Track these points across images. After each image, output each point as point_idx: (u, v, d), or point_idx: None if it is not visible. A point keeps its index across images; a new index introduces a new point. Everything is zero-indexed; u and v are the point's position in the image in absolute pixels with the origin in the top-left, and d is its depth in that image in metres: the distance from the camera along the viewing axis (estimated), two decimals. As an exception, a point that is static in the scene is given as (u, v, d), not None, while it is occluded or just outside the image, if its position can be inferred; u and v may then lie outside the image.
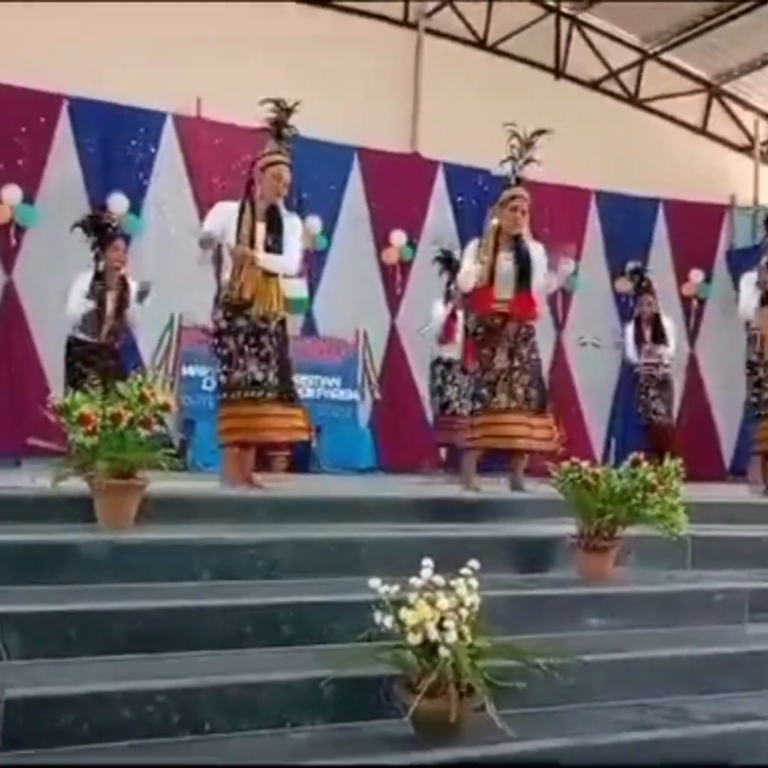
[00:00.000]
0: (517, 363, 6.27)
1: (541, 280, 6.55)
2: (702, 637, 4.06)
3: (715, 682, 3.78)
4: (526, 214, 6.55)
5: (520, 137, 6.44)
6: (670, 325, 9.98)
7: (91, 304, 7.71)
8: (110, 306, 7.88)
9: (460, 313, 8.65)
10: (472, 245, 6.65)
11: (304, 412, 5.89)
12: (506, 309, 6.32)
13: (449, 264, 9.30)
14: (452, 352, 8.98)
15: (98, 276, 7.87)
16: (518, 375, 6.25)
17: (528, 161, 6.49)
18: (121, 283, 7.96)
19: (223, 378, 5.71)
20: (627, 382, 10.40)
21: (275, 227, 5.76)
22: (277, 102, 5.81)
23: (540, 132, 6.43)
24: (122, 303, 7.92)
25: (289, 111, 5.82)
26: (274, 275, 5.74)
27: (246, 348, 5.65)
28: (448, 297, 9.18)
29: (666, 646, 3.89)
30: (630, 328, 9.91)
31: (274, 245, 5.73)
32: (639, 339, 9.71)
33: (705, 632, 4.12)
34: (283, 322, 5.82)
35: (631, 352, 9.81)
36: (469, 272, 6.42)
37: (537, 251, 6.55)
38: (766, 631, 4.23)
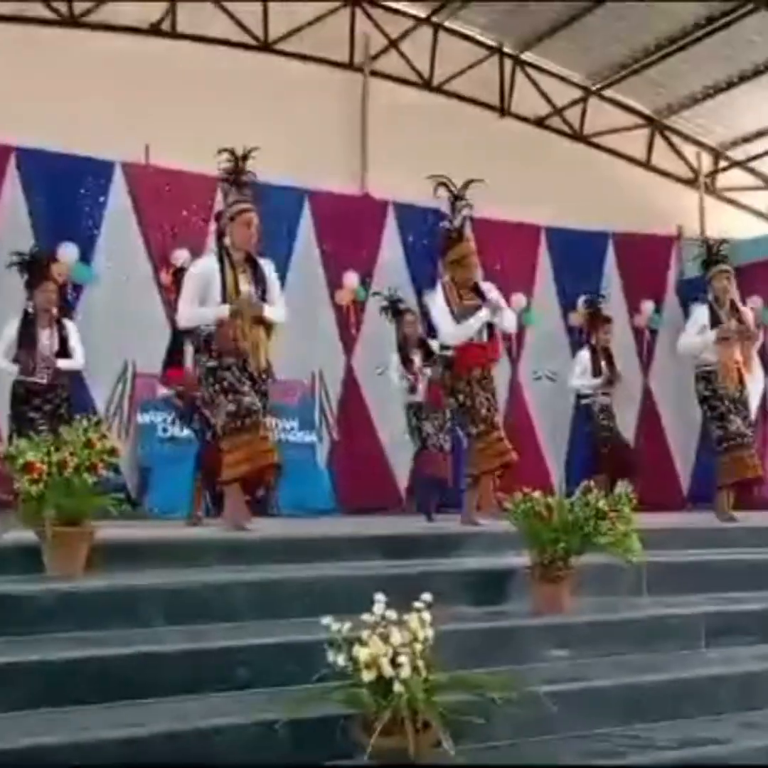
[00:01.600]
0: (490, 397, 6.61)
1: (513, 318, 6.95)
2: (660, 663, 4.06)
3: (675, 708, 3.78)
4: (478, 264, 6.71)
5: (451, 190, 6.55)
6: None
7: (13, 368, 7.63)
8: (46, 344, 7.71)
9: (416, 358, 8.75)
10: (439, 299, 6.70)
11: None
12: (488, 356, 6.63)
13: (397, 311, 9.30)
14: (419, 396, 8.92)
15: (27, 316, 7.73)
16: (491, 409, 6.59)
17: (463, 210, 6.60)
18: (56, 324, 7.81)
19: (231, 407, 5.56)
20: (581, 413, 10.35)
21: (258, 277, 5.76)
22: (231, 151, 5.81)
23: (470, 181, 6.54)
24: (63, 343, 7.77)
25: (244, 158, 5.84)
26: (270, 328, 5.74)
27: (242, 378, 5.64)
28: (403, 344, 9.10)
29: (625, 673, 3.89)
30: (583, 356, 9.82)
31: (261, 295, 5.73)
32: (596, 369, 9.64)
33: (663, 658, 4.12)
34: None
35: (579, 380, 9.70)
36: (456, 335, 6.56)
37: (493, 293, 6.68)
38: (724, 656, 4.25)
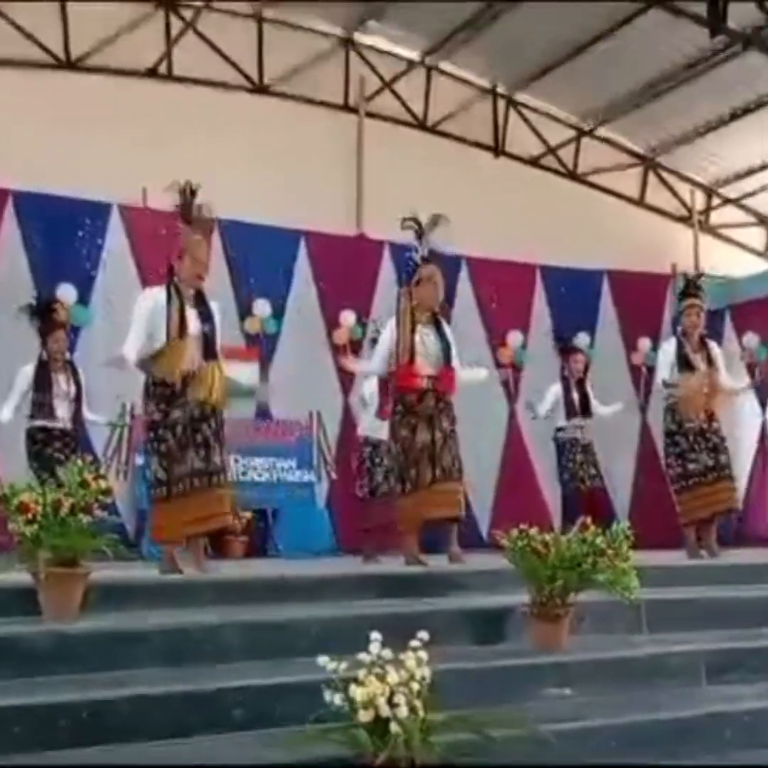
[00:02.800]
0: (439, 436, 6.25)
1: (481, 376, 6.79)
2: (660, 701, 4.02)
3: (674, 746, 3.74)
4: (441, 288, 6.58)
5: (419, 225, 6.52)
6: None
7: (4, 417, 7.70)
8: (63, 388, 7.89)
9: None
10: (391, 325, 6.57)
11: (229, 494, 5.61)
12: (429, 385, 6.31)
13: None
14: (382, 432, 8.75)
15: (42, 363, 7.90)
16: (441, 448, 6.23)
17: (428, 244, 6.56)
18: (70, 367, 8.02)
19: (161, 474, 5.37)
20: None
21: (205, 315, 5.60)
22: (183, 187, 5.68)
23: (437, 216, 6.51)
24: (78, 387, 7.95)
25: (193, 193, 5.69)
26: (215, 357, 5.58)
27: (184, 439, 5.40)
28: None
29: (625, 712, 3.86)
30: (554, 390, 9.59)
31: (209, 332, 5.56)
32: (569, 402, 9.51)
33: (663, 697, 4.09)
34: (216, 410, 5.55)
35: (543, 410, 9.53)
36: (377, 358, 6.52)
37: (448, 328, 6.62)
38: (724, 694, 4.21)
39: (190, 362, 5.45)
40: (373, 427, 8.46)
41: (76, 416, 7.98)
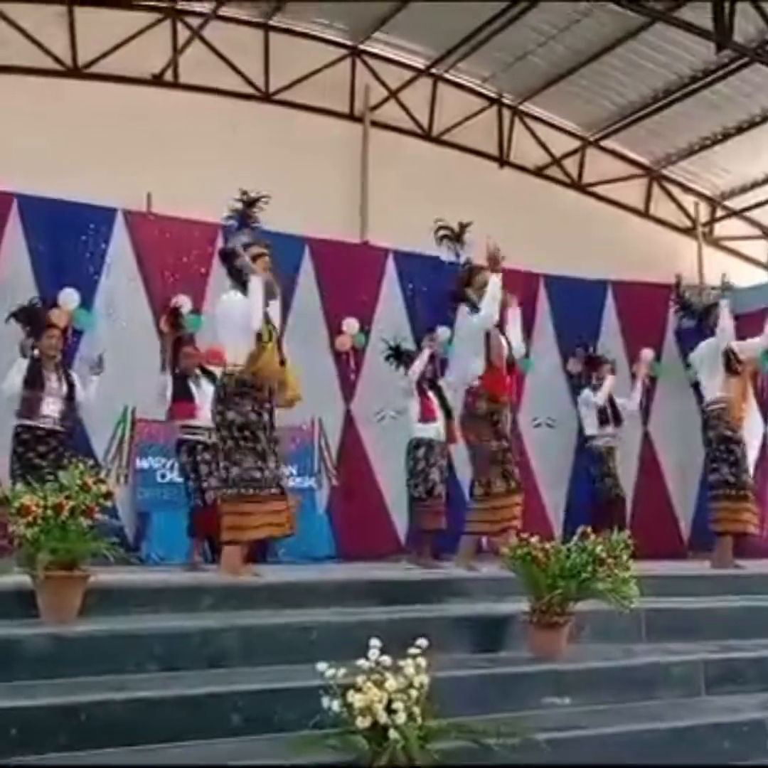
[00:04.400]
0: (506, 444, 6.50)
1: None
2: (659, 711, 4.02)
3: (673, 756, 3.74)
4: None
5: (452, 230, 6.61)
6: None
7: (17, 386, 7.66)
8: (55, 387, 7.78)
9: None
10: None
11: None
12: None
13: (400, 356, 9.32)
14: (431, 433, 8.88)
15: (35, 361, 7.81)
16: (510, 455, 6.50)
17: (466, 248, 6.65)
18: (61, 368, 7.93)
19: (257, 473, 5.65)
20: (585, 457, 10.41)
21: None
22: (243, 193, 6.05)
23: (466, 224, 6.60)
24: (70, 387, 7.87)
25: (252, 203, 5.97)
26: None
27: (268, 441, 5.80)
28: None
29: (623, 721, 3.85)
30: (588, 398, 9.90)
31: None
32: (602, 412, 9.76)
33: (662, 706, 4.09)
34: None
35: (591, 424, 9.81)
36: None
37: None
38: (724, 704, 4.21)
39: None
40: (424, 427, 8.73)
41: (69, 416, 7.88)
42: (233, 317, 5.83)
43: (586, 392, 10.12)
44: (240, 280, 5.93)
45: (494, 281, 6.48)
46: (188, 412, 7.68)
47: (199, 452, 7.61)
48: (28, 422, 7.66)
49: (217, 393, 5.88)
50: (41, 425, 7.67)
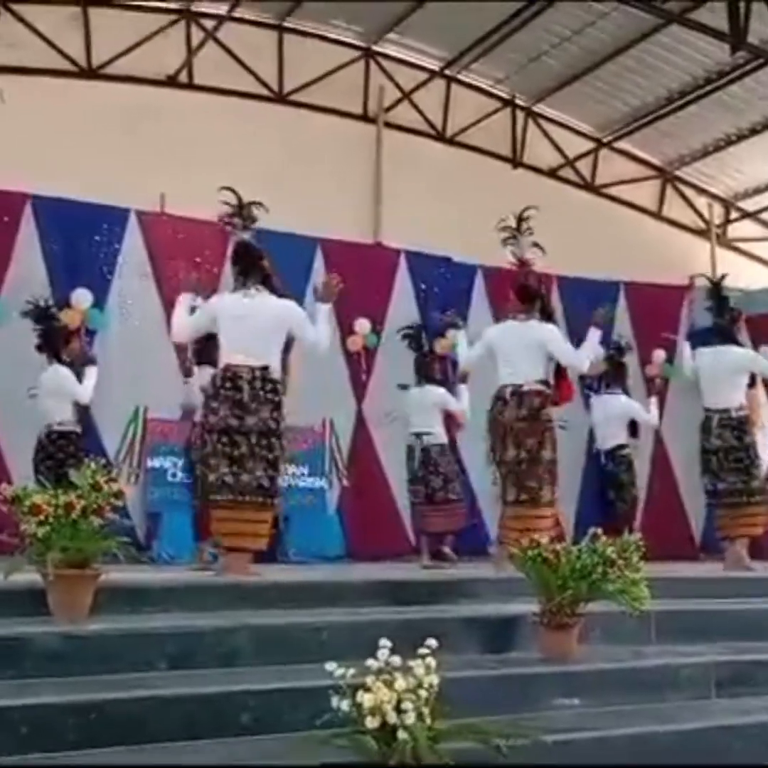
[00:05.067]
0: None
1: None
2: (669, 713, 4.01)
3: (683, 759, 3.72)
4: None
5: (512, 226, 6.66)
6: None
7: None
8: None
9: None
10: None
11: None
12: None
13: (418, 337, 9.37)
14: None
15: (68, 366, 7.99)
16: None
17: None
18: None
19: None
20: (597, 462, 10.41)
21: None
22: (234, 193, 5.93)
23: (524, 219, 6.63)
24: None
25: (242, 207, 5.92)
26: None
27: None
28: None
29: (633, 723, 3.84)
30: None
31: None
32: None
33: (672, 708, 4.07)
34: None
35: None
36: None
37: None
38: (735, 706, 4.19)
39: None
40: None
41: (82, 418, 7.99)
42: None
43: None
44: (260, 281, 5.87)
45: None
46: None
47: None
48: (69, 428, 7.86)
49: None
50: (67, 429, 7.83)
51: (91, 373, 7.98)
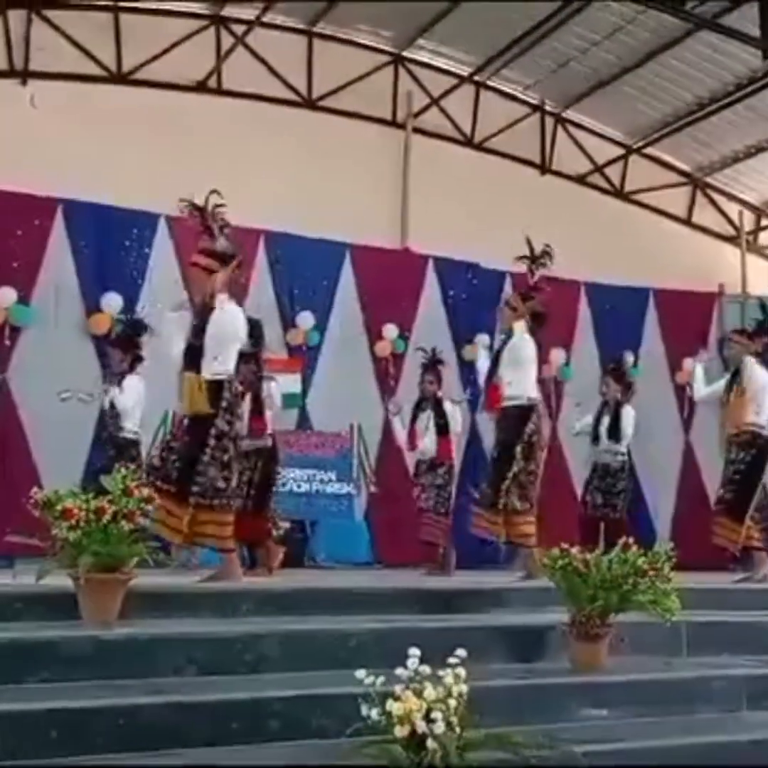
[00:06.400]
0: None
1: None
2: (699, 725, 3.98)
3: (714, 772, 3.69)
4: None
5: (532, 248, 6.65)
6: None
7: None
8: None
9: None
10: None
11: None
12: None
13: (435, 367, 9.24)
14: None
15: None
16: None
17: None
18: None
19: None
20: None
21: None
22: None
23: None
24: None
25: (202, 209, 5.77)
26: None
27: None
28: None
29: (662, 735, 3.81)
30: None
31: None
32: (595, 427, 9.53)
33: (702, 721, 4.04)
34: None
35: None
36: None
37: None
38: (765, 720, 4.15)
39: None
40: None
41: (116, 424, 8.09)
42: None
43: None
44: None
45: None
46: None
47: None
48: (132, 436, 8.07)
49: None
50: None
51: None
